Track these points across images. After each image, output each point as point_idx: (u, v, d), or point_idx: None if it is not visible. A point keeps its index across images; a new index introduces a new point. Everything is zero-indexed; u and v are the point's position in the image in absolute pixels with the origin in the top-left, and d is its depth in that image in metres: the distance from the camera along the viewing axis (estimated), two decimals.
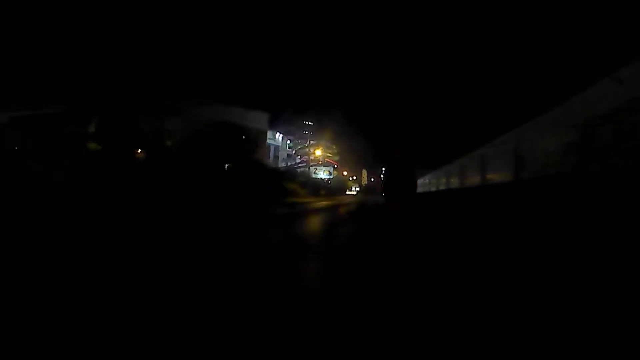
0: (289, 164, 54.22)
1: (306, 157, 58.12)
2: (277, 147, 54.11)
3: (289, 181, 23.48)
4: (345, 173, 72.54)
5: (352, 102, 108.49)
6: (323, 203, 20.05)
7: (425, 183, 38.68)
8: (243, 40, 66.37)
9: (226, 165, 19.66)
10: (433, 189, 29.03)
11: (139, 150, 21.97)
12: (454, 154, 23.02)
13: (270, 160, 49.29)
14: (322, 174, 61.89)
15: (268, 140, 50.37)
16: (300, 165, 56.04)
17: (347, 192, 69.53)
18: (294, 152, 57.97)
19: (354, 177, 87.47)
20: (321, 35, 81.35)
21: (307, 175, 42.42)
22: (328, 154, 66.95)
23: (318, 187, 36.06)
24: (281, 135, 54.85)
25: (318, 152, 57.92)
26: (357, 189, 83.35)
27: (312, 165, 58.24)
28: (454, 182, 23.31)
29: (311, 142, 58.63)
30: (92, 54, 24.37)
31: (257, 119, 42.82)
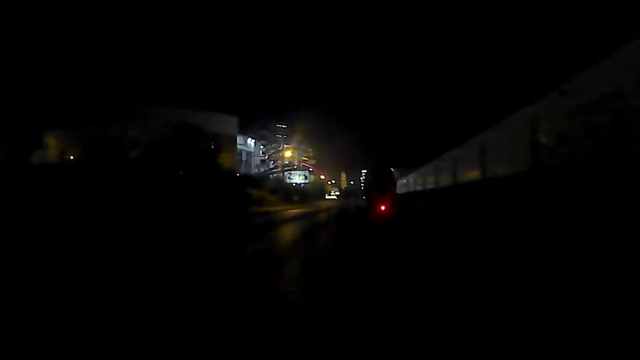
0: (262, 170, 53.88)
1: (280, 161, 57.92)
2: (249, 153, 53.75)
3: (255, 188, 23.37)
4: (322, 177, 72.62)
5: (329, 103, 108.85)
6: (295, 211, 19.63)
7: (406, 183, 39.03)
8: (212, 41, 66.04)
9: (179, 172, 19.43)
10: (418, 188, 29.16)
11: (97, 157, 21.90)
12: (434, 153, 23.19)
13: (242, 167, 49.02)
14: (297, 178, 61.61)
15: (239, 146, 50.08)
16: (273, 170, 55.72)
17: (327, 197, 69.48)
18: (266, 157, 57.71)
19: (333, 181, 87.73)
20: (296, 35, 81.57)
21: (279, 181, 42.07)
22: (304, 158, 66.92)
23: (291, 193, 35.41)
24: (253, 140, 54.52)
25: (288, 154, 57.54)
26: (337, 192, 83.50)
27: (286, 170, 58.01)
28: (433, 181, 23.69)
29: (285, 145, 58.47)
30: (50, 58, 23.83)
31: (224, 123, 42.51)
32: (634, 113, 6.10)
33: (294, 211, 19.36)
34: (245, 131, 51.40)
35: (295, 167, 62.04)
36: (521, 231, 6.57)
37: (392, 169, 13.54)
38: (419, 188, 28.00)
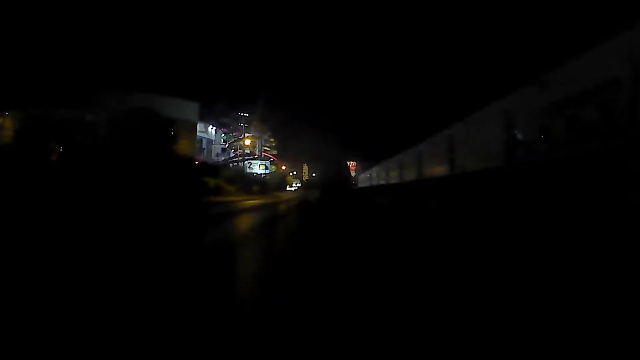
0: (222, 158, 52.76)
1: (240, 150, 56.84)
2: (209, 141, 52.48)
3: (212, 177, 22.58)
4: (284, 168, 71.60)
5: (293, 93, 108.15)
6: (253, 202, 18.98)
7: (368, 177, 39.17)
8: (173, 23, 64.17)
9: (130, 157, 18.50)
10: (382, 182, 29.25)
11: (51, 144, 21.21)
12: (400, 146, 23.22)
13: (202, 155, 47.84)
14: (258, 168, 60.35)
15: (199, 134, 48.85)
16: (233, 159, 54.68)
17: (288, 188, 68.71)
18: (227, 145, 56.49)
19: (295, 172, 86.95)
20: (263, 22, 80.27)
21: (239, 171, 41.05)
22: (265, 147, 65.85)
23: (250, 183, 34.43)
24: (214, 128, 53.25)
25: (248, 142, 56.42)
26: (298, 184, 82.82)
27: (246, 159, 56.97)
28: (397, 176, 23.68)
29: (246, 134, 57.34)
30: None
31: (184, 108, 41.24)
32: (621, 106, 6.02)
33: (252, 202, 18.68)
34: (206, 118, 50.17)
35: (256, 156, 60.97)
36: (486, 229, 6.47)
37: (351, 162, 13.32)
38: (382, 182, 27.97)
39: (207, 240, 5.64)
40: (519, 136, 10.11)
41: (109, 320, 2.11)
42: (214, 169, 25.53)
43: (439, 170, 16.01)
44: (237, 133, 57.54)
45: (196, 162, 22.87)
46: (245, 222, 9.04)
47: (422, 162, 18.08)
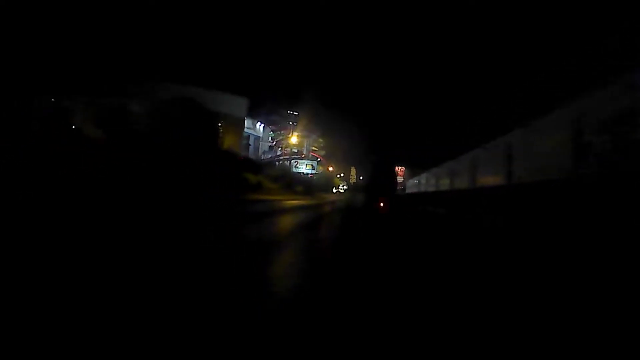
0: (268, 156, 52.64)
1: (287, 149, 56.54)
2: (257, 138, 52.49)
3: (255, 173, 22.03)
4: (331, 169, 70.79)
5: (345, 94, 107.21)
6: (295, 202, 18.08)
7: (416, 183, 37.73)
8: (225, 17, 64.89)
9: (172, 152, 18.34)
10: (431, 189, 28.14)
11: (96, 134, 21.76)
12: (451, 154, 22.15)
13: (249, 152, 47.86)
14: (304, 168, 59.76)
15: (247, 130, 48.88)
16: (280, 157, 54.42)
17: (334, 190, 67.92)
18: (274, 143, 56.30)
19: (342, 174, 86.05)
20: (316, 18, 79.91)
21: (284, 169, 40.48)
22: (313, 147, 65.32)
23: (294, 183, 33.56)
24: (262, 125, 53.27)
25: (294, 140, 55.79)
26: (345, 187, 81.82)
27: (293, 158, 56.63)
28: (444, 185, 22.52)
29: (294, 133, 56.98)
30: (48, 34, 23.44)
31: (231, 103, 41.19)
32: None
33: (295, 202, 17.82)
34: (255, 115, 50.18)
35: (303, 155, 60.47)
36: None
37: (400, 167, 13.23)
38: (431, 189, 26.68)
39: (238, 239, 5.22)
40: (593, 144, 8.80)
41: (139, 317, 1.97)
42: (257, 166, 25.01)
43: (492, 179, 14.68)
44: (285, 131, 57.35)
45: (238, 158, 22.37)
46: (281, 223, 8.25)
47: (476, 170, 16.73)
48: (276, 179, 28.06)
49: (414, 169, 54.90)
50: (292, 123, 57.27)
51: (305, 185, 37.18)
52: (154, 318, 1.95)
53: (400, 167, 60.08)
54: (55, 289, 2.33)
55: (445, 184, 22.45)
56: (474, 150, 16.87)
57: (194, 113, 19.62)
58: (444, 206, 18.44)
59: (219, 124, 21.83)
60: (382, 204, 11.85)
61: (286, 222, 8.57)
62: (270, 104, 54.00)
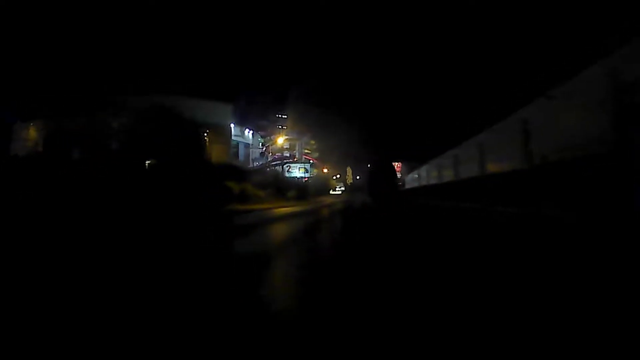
0: (260, 163, 50.99)
1: (279, 154, 54.85)
2: (246, 145, 50.86)
3: (239, 181, 20.30)
4: (326, 170, 68.98)
5: (334, 94, 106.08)
6: (286, 209, 16.25)
7: (417, 178, 36.38)
8: (204, 23, 63.63)
9: (147, 162, 16.73)
10: (431, 182, 26.87)
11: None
12: (447, 145, 20.95)
13: (239, 160, 46.34)
14: (297, 172, 57.84)
15: (235, 137, 47.28)
16: (272, 163, 52.74)
17: (331, 192, 66.30)
18: (264, 149, 54.55)
19: (338, 176, 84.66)
20: (304, 20, 78.79)
21: (275, 174, 38.66)
22: (306, 150, 63.63)
23: (284, 188, 31.55)
24: (251, 132, 51.61)
25: (280, 140, 53.94)
26: (342, 188, 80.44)
27: (285, 163, 54.93)
28: (447, 175, 21.04)
29: (285, 137, 55.29)
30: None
31: (215, 111, 39.66)
32: None
33: (285, 210, 16.01)
34: (243, 122, 48.57)
35: (295, 159, 58.65)
36: None
37: (396, 163, 12.73)
38: (434, 182, 25.24)
39: (216, 258, 4.45)
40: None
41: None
42: (240, 173, 23.12)
43: (506, 165, 13.24)
44: (275, 136, 55.58)
45: (218, 166, 20.61)
46: (264, 238, 6.80)
47: (485, 155, 15.23)
48: (264, 185, 26.21)
49: (411, 163, 53.69)
50: (282, 127, 55.55)
51: (298, 189, 35.27)
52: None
53: (397, 163, 58.72)
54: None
55: (449, 174, 20.94)
56: (480, 133, 15.37)
57: (169, 123, 18.02)
58: (450, 198, 17.19)
59: (202, 133, 20.17)
60: (385, 203, 11.57)
61: (270, 236, 6.92)
62: (258, 109, 52.36)
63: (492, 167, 14.51)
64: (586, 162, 7.64)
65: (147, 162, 16.84)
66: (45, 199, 11.50)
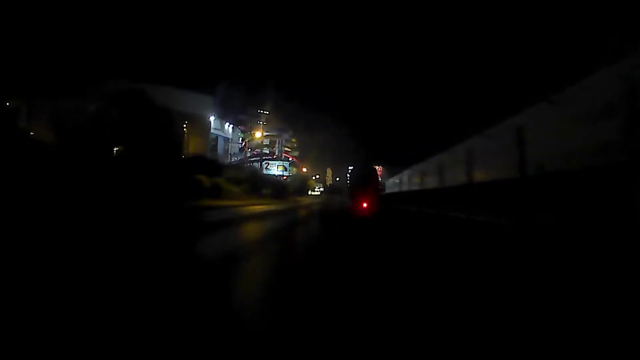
0: (239, 158, 49.87)
1: (258, 149, 53.68)
2: (226, 140, 49.70)
3: (210, 175, 19.21)
4: (305, 170, 67.87)
5: (319, 92, 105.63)
6: (261, 208, 15.25)
7: (397, 183, 35.85)
8: (189, 13, 62.45)
9: (115, 149, 15.64)
10: (406, 188, 26.30)
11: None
12: (431, 150, 20.41)
13: (219, 154, 45.25)
14: (275, 169, 56.68)
15: (214, 131, 46.15)
16: (250, 159, 51.60)
17: (310, 193, 65.29)
18: (243, 144, 53.38)
19: (317, 176, 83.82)
20: (288, 15, 77.90)
21: (252, 171, 37.54)
22: (286, 148, 62.53)
23: (260, 185, 30.37)
24: (231, 126, 50.43)
25: (258, 134, 52.79)
26: (321, 189, 79.59)
27: (264, 160, 53.78)
28: (431, 182, 20.39)
29: (265, 132, 54.16)
30: None
31: (195, 102, 38.50)
32: None
33: (260, 208, 15.08)
34: (223, 115, 47.40)
35: (275, 156, 57.50)
36: None
37: (376, 167, 13.18)
38: (415, 188, 24.62)
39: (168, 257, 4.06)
40: None
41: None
42: (213, 166, 21.94)
43: (495, 172, 12.65)
44: (255, 131, 54.39)
45: (186, 157, 19.51)
46: (228, 237, 6.16)
47: (474, 161, 14.59)
48: (238, 181, 25.08)
49: (392, 168, 53.14)
50: (262, 122, 54.33)
51: (275, 187, 34.22)
52: None
53: (378, 167, 58.13)
54: None
55: (432, 181, 20.29)
56: (469, 139, 14.67)
57: (138, 108, 16.93)
58: (434, 206, 16.54)
59: (174, 121, 19.08)
60: (366, 206, 11.17)
61: (235, 238, 6.02)
62: (239, 103, 51.16)
63: (480, 175, 13.86)
64: (595, 172, 6.94)
65: (114, 148, 15.81)
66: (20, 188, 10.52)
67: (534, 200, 8.90)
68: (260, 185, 29.90)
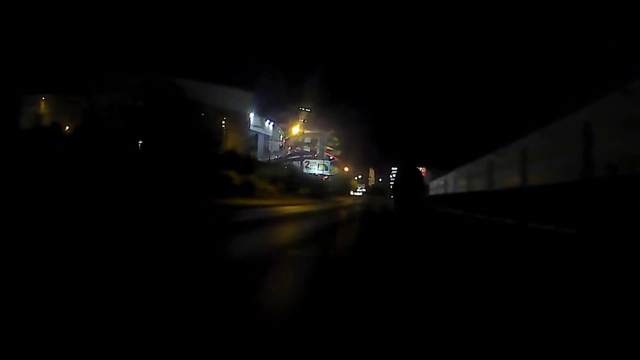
0: (280, 156, 49.30)
1: (299, 148, 52.86)
2: (267, 137, 49.18)
3: (244, 173, 18.38)
4: (347, 169, 66.43)
5: (363, 90, 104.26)
6: (293, 209, 14.05)
7: (442, 185, 34.42)
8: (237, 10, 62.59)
9: (139, 143, 15.10)
10: (451, 191, 25.08)
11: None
12: (478, 151, 19.10)
13: (259, 153, 44.82)
14: (316, 168, 55.61)
15: (254, 128, 45.74)
16: (291, 157, 50.90)
17: (352, 193, 64.00)
18: (283, 141, 52.67)
19: (359, 176, 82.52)
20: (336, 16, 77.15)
21: (292, 169, 36.64)
22: (328, 147, 61.43)
23: (298, 184, 29.27)
24: (272, 123, 49.88)
25: (295, 129, 51.74)
26: (363, 189, 78.13)
27: (304, 158, 52.91)
28: (478, 184, 18.98)
29: (305, 131, 53.30)
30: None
31: (234, 98, 38.05)
32: None
33: (296, 208, 13.93)
34: (263, 112, 46.86)
35: (316, 155, 56.47)
36: None
37: (421, 169, 12.60)
38: (460, 190, 23.29)
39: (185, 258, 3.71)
40: None
41: None
42: (246, 163, 21.10)
43: (553, 175, 11.29)
44: (293, 126, 53.53)
45: (218, 153, 18.78)
46: (249, 241, 5.52)
47: (528, 162, 13.21)
48: (274, 179, 24.17)
49: (437, 169, 51.27)
50: (303, 120, 53.42)
51: (314, 187, 33.15)
52: None
53: (422, 168, 56.28)
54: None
55: (479, 184, 18.84)
56: (524, 137, 13.24)
57: (163, 100, 16.37)
58: (481, 210, 15.51)
59: (205, 116, 18.51)
60: (411, 209, 11.20)
61: (256, 243, 5.26)
62: (280, 99, 50.45)
63: (535, 178, 12.38)
64: None
65: (139, 142, 15.31)
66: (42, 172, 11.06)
67: (603, 208, 7.52)
68: (298, 184, 28.99)
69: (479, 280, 3.33)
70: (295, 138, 52.73)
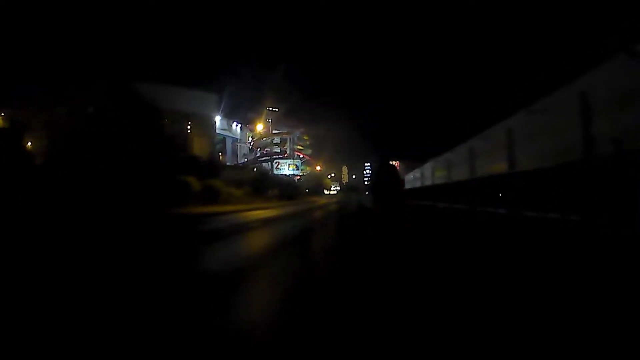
0: (250, 158, 48.06)
1: (267, 149, 51.64)
2: (234, 140, 47.84)
3: (202, 177, 17.06)
4: (319, 168, 65.36)
5: (331, 87, 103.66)
6: (260, 214, 12.63)
7: (419, 177, 33.88)
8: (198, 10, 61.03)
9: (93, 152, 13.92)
10: (429, 182, 24.62)
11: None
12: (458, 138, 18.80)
13: (227, 156, 43.56)
14: (287, 168, 54.30)
15: (221, 131, 44.34)
16: (260, 159, 49.76)
17: (326, 192, 63.01)
18: (252, 143, 51.44)
19: (333, 174, 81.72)
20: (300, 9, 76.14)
21: (261, 171, 35.41)
22: (299, 147, 60.26)
23: (266, 186, 27.84)
24: (239, 125, 48.53)
25: (259, 127, 50.61)
26: (338, 187, 77.40)
27: (274, 159, 51.74)
28: (459, 174, 18.28)
29: (274, 130, 52.13)
30: None
31: (198, 101, 36.67)
32: None
33: (263, 213, 12.64)
34: (229, 114, 45.54)
35: (286, 155, 55.21)
36: None
37: (395, 163, 11.36)
38: (439, 182, 22.69)
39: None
40: None
41: None
42: (208, 167, 19.73)
43: (541, 159, 10.46)
44: (265, 130, 52.28)
45: (176, 157, 17.41)
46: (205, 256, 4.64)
47: (515, 145, 12.33)
48: (240, 183, 22.85)
49: (410, 162, 50.87)
50: (270, 120, 52.25)
51: (285, 188, 31.89)
52: None
53: (395, 162, 55.84)
54: None
55: (460, 173, 18.09)
56: (509, 118, 12.32)
57: (124, 104, 15.06)
58: (464, 201, 15.18)
59: (157, 117, 17.20)
60: (391, 205, 10.17)
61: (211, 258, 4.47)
62: (246, 101, 49.14)
63: (525, 162, 11.47)
64: None
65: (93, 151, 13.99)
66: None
67: (605, 191, 6.61)
68: (267, 186, 27.69)
69: (479, 280, 3.13)
70: (264, 139, 51.60)
